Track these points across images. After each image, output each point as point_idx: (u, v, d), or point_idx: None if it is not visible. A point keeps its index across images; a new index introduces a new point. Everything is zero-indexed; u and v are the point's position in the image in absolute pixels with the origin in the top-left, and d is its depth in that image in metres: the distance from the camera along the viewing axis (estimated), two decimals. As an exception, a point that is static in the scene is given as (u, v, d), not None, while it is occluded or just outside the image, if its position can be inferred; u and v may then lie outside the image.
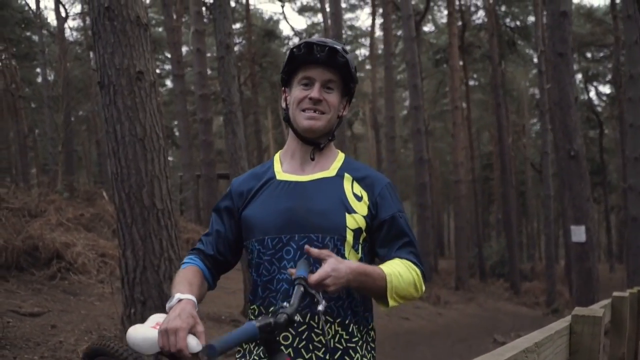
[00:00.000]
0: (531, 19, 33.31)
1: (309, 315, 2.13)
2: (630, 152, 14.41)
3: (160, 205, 5.84)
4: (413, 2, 29.39)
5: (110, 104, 5.81)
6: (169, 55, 32.09)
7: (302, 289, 1.90)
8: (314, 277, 1.91)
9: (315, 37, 2.17)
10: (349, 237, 2.19)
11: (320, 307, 1.89)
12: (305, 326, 2.14)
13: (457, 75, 28.04)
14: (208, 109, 21.79)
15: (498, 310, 20.99)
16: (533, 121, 48.08)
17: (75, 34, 35.40)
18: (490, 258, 32.69)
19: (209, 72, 25.47)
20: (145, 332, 2.00)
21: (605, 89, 46.63)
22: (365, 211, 2.24)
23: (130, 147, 5.77)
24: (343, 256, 2.15)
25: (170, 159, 42.41)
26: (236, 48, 38.52)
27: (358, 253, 2.22)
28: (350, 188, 2.27)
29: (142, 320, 6.11)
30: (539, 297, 26.33)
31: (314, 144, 2.33)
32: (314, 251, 2.02)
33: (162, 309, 5.74)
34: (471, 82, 40.05)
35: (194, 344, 1.89)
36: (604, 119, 42.05)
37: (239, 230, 2.36)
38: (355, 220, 2.21)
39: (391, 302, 2.12)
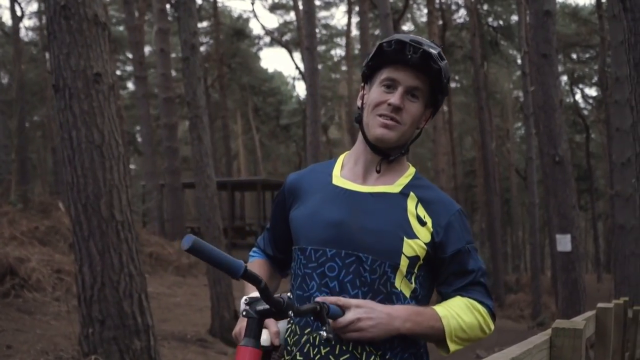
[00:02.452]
0: (514, 18, 33.66)
1: (351, 344, 2.01)
2: (617, 157, 14.57)
3: (119, 216, 5.80)
4: (391, 0, 29.57)
5: (65, 108, 5.77)
6: (130, 56, 31.95)
7: (317, 307, 1.88)
8: (340, 322, 1.91)
9: (411, 36, 1.96)
10: (403, 265, 2.04)
11: (323, 333, 1.84)
12: (348, 355, 2.03)
13: (437, 77, 28.17)
14: (172, 113, 21.69)
15: (481, 324, 21.03)
16: (517, 125, 48.54)
17: (30, 33, 35.15)
18: (473, 270, 32.84)
19: (173, 73, 25.38)
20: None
21: (592, 92, 47.19)
22: (427, 238, 2.07)
23: (87, 155, 5.73)
24: (393, 285, 2.04)
25: (131, 167, 42.25)
26: (203, 48, 38.50)
27: (411, 283, 2.08)
28: (415, 210, 2.11)
29: (101, 340, 6.03)
30: (524, 309, 26.53)
31: (383, 155, 2.17)
32: (330, 299, 1.95)
33: (121, 328, 5.70)
34: (452, 84, 40.30)
35: (264, 338, 1.97)
36: (590, 123, 42.55)
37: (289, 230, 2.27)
38: (414, 247, 2.05)
39: (452, 347, 2.03)
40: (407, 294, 2.06)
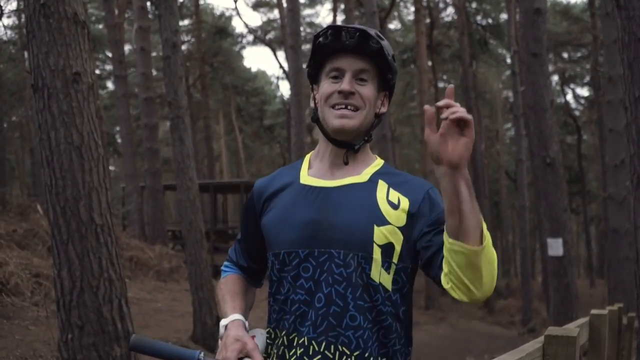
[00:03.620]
0: (504, 16, 33.81)
1: (324, 343, 2.02)
2: (611, 159, 14.66)
3: (99, 220, 5.78)
4: (377, -2, 29.64)
5: (44, 108, 5.75)
6: (110, 55, 31.77)
7: None
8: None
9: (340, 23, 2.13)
10: (376, 254, 2.03)
11: None
12: (319, 356, 2.02)
13: (425, 77, 28.30)
14: (153, 114, 21.62)
15: (471, 330, 21.16)
16: (507, 126, 48.76)
17: (9, 32, 34.96)
18: (462, 274, 32.93)
19: (154, 72, 25.25)
20: None
21: (583, 92, 47.53)
22: (402, 221, 2.05)
23: (65, 156, 5.71)
24: (369, 277, 2.02)
25: (111, 168, 42.14)
26: (184, 47, 38.46)
27: (389, 274, 2.05)
28: (385, 196, 2.10)
29: (80, 346, 6.00)
30: (514, 315, 26.64)
31: (347, 146, 2.17)
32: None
33: (101, 335, 5.69)
34: (440, 84, 40.37)
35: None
36: (582, 124, 42.82)
37: (262, 239, 2.26)
38: (386, 234, 2.03)
39: (486, 240, 1.82)
40: (388, 285, 2.05)
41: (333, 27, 2.11)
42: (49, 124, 5.74)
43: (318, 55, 2.18)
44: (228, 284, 2.29)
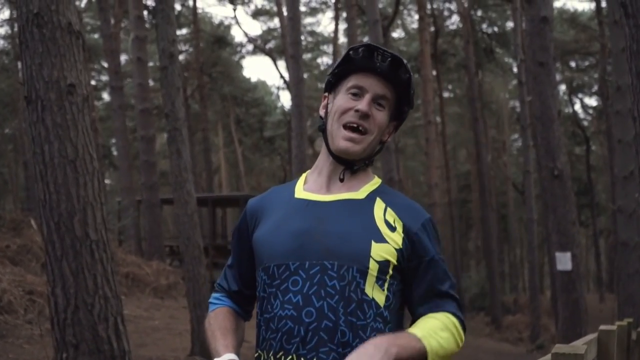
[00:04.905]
0: (510, 24, 33.90)
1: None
2: (619, 170, 14.64)
3: (94, 235, 5.78)
4: (380, 6, 29.72)
5: (37, 121, 5.76)
6: (105, 65, 31.87)
7: None
8: None
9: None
10: (372, 269, 2.02)
11: None
12: None
13: (429, 86, 28.35)
14: (150, 126, 21.66)
15: (478, 347, 21.11)
16: (514, 137, 48.75)
17: (2, 42, 35.13)
18: (469, 290, 32.99)
19: (150, 83, 25.35)
20: None
21: (592, 101, 47.57)
22: (399, 243, 2.06)
23: (60, 170, 5.72)
24: (363, 292, 2.02)
25: (106, 182, 42.14)
26: (182, 56, 38.55)
27: (383, 290, 2.05)
28: (382, 215, 2.11)
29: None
30: (522, 332, 26.60)
31: (347, 164, 2.18)
32: None
33: (96, 354, 5.68)
34: (446, 94, 40.57)
35: None
36: (591, 134, 42.84)
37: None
38: (384, 250, 2.04)
39: None
40: (381, 302, 2.05)
41: (368, 46, 2.13)
42: (43, 137, 5.75)
43: (345, 67, 2.19)
44: (218, 319, 2.24)
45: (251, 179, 55.51)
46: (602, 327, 4.51)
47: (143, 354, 10.36)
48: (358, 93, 2.14)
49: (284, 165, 47.03)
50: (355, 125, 2.11)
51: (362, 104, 2.11)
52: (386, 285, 2.05)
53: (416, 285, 2.09)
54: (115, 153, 36.27)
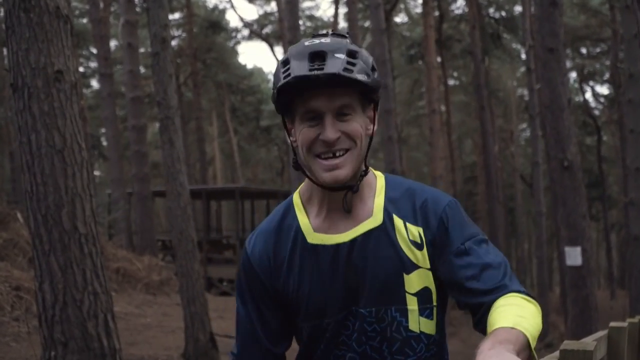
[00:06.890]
0: (518, 9, 33.83)
1: None
2: (632, 161, 14.64)
3: (83, 229, 5.79)
4: (382, -11, 29.66)
5: (24, 109, 5.76)
6: (94, 51, 31.87)
7: None
8: None
9: (306, 43, 1.91)
10: (411, 304, 1.99)
11: None
12: None
13: (434, 74, 28.34)
14: (141, 114, 21.67)
15: (484, 346, 21.09)
16: (522, 126, 48.75)
17: (-13, 28, 35.03)
18: (474, 286, 32.96)
19: (142, 70, 25.36)
20: None
21: (603, 90, 47.61)
22: (428, 262, 1.99)
23: (47, 160, 5.72)
24: (407, 329, 1.99)
25: (96, 173, 42.11)
26: (175, 42, 38.51)
27: (432, 319, 2.03)
28: (406, 236, 2.00)
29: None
30: (530, 330, 26.61)
31: (344, 188, 1.98)
32: None
33: (86, 352, 5.69)
34: (451, 82, 40.49)
35: None
36: (602, 124, 42.75)
37: (282, 308, 2.11)
38: (418, 279, 1.99)
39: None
40: (431, 332, 2.04)
41: (296, 77, 1.84)
42: (29, 125, 5.75)
43: (282, 97, 1.94)
44: None
45: (247, 170, 55.52)
46: (612, 324, 4.51)
47: (134, 353, 10.38)
48: (314, 117, 1.90)
49: (281, 155, 47.05)
50: (330, 155, 1.91)
51: (326, 132, 1.87)
52: (434, 311, 2.03)
53: (459, 278, 1.93)
54: (105, 143, 36.26)
